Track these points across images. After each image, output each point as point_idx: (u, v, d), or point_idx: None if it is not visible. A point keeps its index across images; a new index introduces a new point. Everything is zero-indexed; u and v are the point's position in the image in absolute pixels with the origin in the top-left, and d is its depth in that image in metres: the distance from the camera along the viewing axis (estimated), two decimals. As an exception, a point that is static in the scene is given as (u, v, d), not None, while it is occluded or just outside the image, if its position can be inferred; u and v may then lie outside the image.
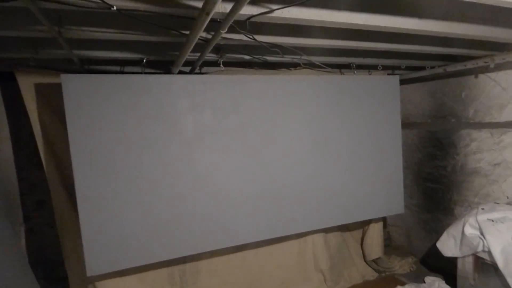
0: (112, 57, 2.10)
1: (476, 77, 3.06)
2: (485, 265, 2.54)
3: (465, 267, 2.75)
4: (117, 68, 2.45)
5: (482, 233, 2.54)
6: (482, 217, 2.59)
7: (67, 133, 2.08)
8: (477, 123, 3.10)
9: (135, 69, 2.47)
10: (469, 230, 2.63)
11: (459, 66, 2.95)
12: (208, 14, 1.18)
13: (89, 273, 2.16)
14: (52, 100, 2.33)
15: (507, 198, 2.89)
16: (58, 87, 2.08)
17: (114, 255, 2.22)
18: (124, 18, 1.40)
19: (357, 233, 3.79)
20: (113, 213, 2.21)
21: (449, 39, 2.19)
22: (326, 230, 3.34)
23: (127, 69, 2.46)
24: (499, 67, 2.81)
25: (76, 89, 2.02)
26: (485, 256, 2.52)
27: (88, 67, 2.35)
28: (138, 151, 2.26)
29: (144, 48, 2.09)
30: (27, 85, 2.25)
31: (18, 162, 2.65)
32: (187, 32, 1.62)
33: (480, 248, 2.53)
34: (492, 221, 2.54)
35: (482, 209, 2.71)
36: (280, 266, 3.17)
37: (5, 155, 2.58)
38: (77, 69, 2.27)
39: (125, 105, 2.18)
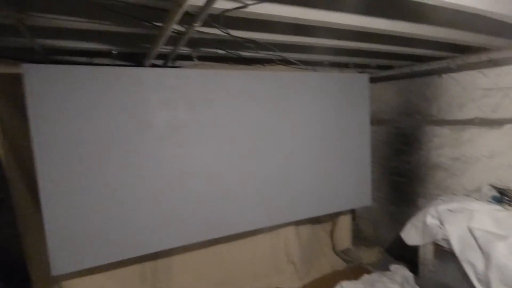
0: (79, 47, 2.00)
1: (440, 77, 3.23)
2: (444, 252, 2.70)
3: (426, 254, 2.92)
4: (85, 60, 2.33)
5: (441, 223, 2.70)
6: (442, 208, 2.75)
7: (29, 127, 1.96)
8: (439, 120, 3.28)
9: (105, 61, 2.37)
10: (430, 220, 2.78)
11: (424, 66, 3.11)
12: (180, 6, 1.16)
13: (54, 272, 2.07)
14: (11, 91, 2.18)
15: (465, 190, 3.10)
16: (18, 78, 1.95)
17: (81, 253, 2.14)
18: (93, 7, 1.34)
19: (327, 226, 3.90)
20: (79, 209, 2.13)
21: (416, 40, 2.29)
22: (297, 223, 3.40)
23: (95, 60, 2.35)
24: (460, 68, 2.99)
25: (39, 80, 1.90)
26: (444, 243, 2.67)
27: (52, 57, 2.21)
28: (107, 146, 2.18)
29: (114, 39, 2.01)
30: (-18, 75, 2.10)
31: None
32: (160, 24, 1.59)
33: (439, 236, 2.69)
34: (451, 211, 2.71)
35: (442, 200, 2.89)
36: (252, 260, 3.21)
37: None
38: (40, 59, 2.14)
39: (94, 98, 2.09)
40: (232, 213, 2.73)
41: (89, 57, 2.34)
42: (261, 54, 2.43)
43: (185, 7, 1.20)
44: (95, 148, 2.15)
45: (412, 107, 3.56)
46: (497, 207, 2.56)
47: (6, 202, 2.58)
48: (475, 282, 2.39)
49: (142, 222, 2.35)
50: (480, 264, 2.37)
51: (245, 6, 1.45)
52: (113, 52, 2.13)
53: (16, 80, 2.02)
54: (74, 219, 2.12)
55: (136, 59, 2.44)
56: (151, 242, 2.40)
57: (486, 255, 2.34)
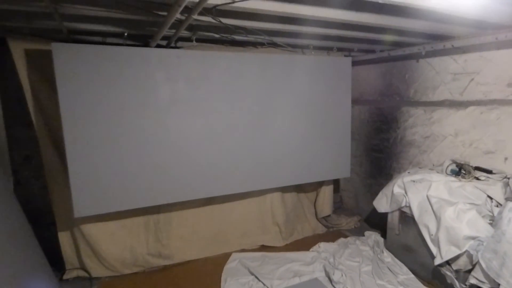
0: (96, 29, 2.37)
1: (418, 61, 3.54)
2: (407, 218, 3.10)
3: (393, 220, 3.33)
4: (99, 39, 2.70)
5: (406, 192, 3.08)
6: (407, 179, 3.13)
7: (56, 94, 2.38)
8: (415, 101, 3.62)
9: (116, 40, 2.74)
10: (397, 190, 3.17)
11: (400, 51, 3.44)
12: (179, 6, 1.52)
13: (76, 215, 2.54)
14: (41, 65, 2.58)
15: (433, 165, 3.48)
16: (47, 53, 2.35)
17: (98, 201, 2.61)
18: (112, 0, 1.71)
19: (311, 195, 4.32)
20: (97, 165, 2.58)
21: (392, 29, 2.60)
22: (283, 190, 3.83)
23: (108, 40, 2.72)
24: (433, 54, 3.30)
25: (65, 56, 2.30)
26: (407, 210, 3.06)
27: (74, 36, 2.59)
28: (119, 114, 2.60)
29: (125, 23, 2.35)
30: (18, 50, 2.49)
31: (6, 120, 2.91)
32: (164, 14, 1.95)
33: (403, 204, 3.08)
34: (414, 181, 3.07)
35: (408, 172, 3.26)
36: (242, 219, 3.65)
37: (-5, 113, 2.83)
38: (63, 38, 2.52)
39: (109, 73, 2.50)
40: (225, 176, 3.16)
41: (103, 37, 2.70)
42: (252, 38, 2.77)
43: (183, 5, 1.56)
44: (109, 114, 2.57)
45: (393, 89, 3.89)
46: (453, 178, 2.93)
47: (32, 158, 3.04)
48: (428, 241, 2.80)
49: (148, 179, 2.80)
50: (433, 226, 2.77)
51: (233, 2, 1.80)
52: (125, 34, 2.50)
53: (45, 55, 2.41)
54: (93, 173, 2.57)
55: (143, 39, 2.80)
56: (155, 196, 2.86)
57: (438, 219, 2.72)
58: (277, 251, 3.59)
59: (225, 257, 3.43)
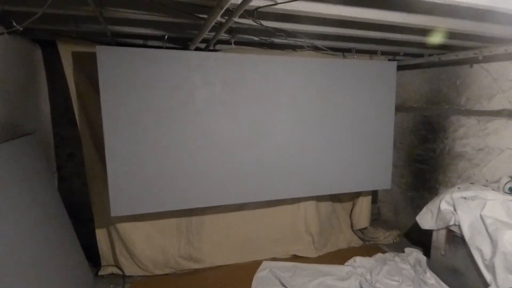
0: (138, 32, 2.41)
1: (471, 66, 3.25)
2: (455, 237, 2.86)
3: (439, 238, 3.08)
4: (141, 42, 2.76)
5: (455, 209, 2.84)
6: (457, 195, 2.88)
7: (99, 96, 2.44)
8: (467, 110, 3.33)
9: (156, 43, 2.78)
10: (444, 206, 2.93)
11: (452, 56, 3.17)
12: (222, 8, 1.48)
13: (112, 214, 2.59)
14: (86, 66, 2.68)
15: (486, 181, 3.17)
16: (92, 55, 2.42)
17: (134, 201, 2.65)
18: (153, 3, 1.71)
19: (348, 205, 4.13)
20: (134, 165, 2.62)
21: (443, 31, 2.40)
22: (318, 199, 3.68)
23: (149, 42, 2.77)
24: (491, 58, 3.01)
25: (109, 59, 2.36)
26: (456, 229, 2.82)
27: (117, 39, 2.66)
28: (157, 116, 2.63)
29: (166, 26, 2.37)
30: (66, 52, 2.61)
31: (54, 119, 3.06)
32: (205, 16, 1.92)
33: (452, 222, 2.83)
34: (465, 198, 2.82)
35: (458, 188, 3.00)
36: (274, 227, 3.56)
37: (44, 112, 2.99)
38: (107, 41, 2.60)
39: (149, 75, 2.53)
40: (258, 182, 3.09)
41: (145, 40, 2.76)
42: (291, 41, 2.69)
43: (225, 8, 1.52)
44: (148, 116, 2.61)
45: (441, 96, 3.61)
46: None
47: (75, 156, 3.17)
48: (481, 267, 2.55)
49: (183, 181, 2.80)
50: (487, 250, 2.52)
51: (275, 4, 1.73)
52: (165, 37, 2.52)
53: (90, 57, 2.49)
54: (130, 173, 2.61)
55: (183, 42, 2.81)
56: (188, 199, 2.85)
57: (494, 242, 2.47)
58: (309, 262, 3.46)
59: (256, 264, 3.36)
